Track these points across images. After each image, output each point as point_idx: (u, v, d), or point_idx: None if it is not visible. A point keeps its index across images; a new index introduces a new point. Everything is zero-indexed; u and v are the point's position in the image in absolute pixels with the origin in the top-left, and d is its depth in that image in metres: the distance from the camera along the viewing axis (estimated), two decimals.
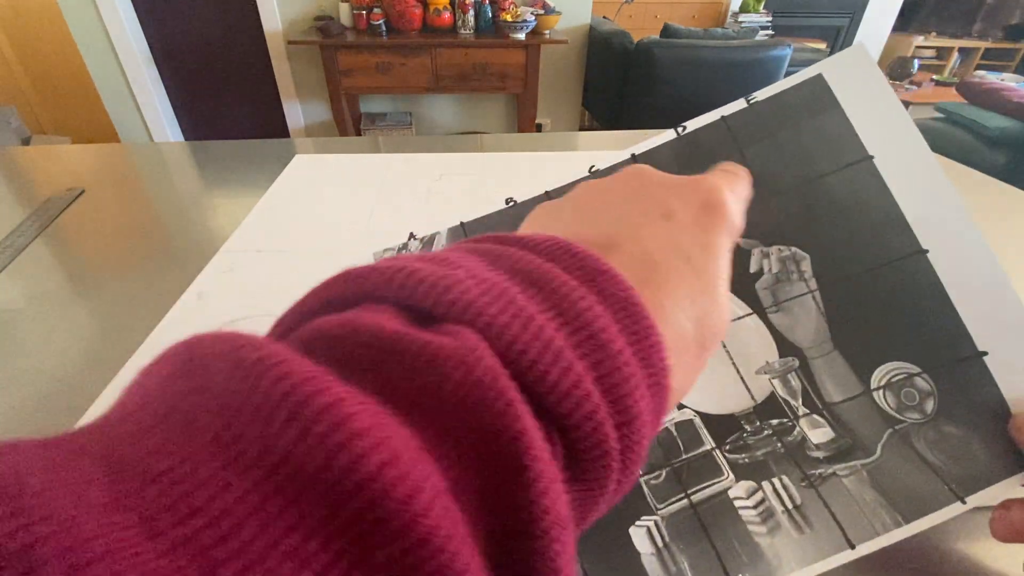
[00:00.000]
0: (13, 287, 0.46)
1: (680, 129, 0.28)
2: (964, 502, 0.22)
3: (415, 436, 0.09)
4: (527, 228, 0.18)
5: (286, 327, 0.12)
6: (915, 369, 0.24)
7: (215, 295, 0.40)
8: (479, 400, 0.09)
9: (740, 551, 0.22)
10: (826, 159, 0.26)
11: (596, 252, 0.13)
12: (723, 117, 0.28)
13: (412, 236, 0.29)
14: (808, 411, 0.24)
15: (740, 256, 0.26)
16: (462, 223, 0.29)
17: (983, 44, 4.04)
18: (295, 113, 2.60)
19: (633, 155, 0.28)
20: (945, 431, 0.23)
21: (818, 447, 0.24)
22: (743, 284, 0.26)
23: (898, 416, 0.24)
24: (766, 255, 0.26)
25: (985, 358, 0.23)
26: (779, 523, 0.23)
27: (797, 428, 0.24)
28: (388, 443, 0.08)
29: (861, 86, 0.26)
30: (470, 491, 0.09)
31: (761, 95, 0.27)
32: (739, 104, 0.28)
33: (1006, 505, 0.22)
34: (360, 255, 0.27)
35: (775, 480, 0.23)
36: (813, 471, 0.23)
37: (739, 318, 0.26)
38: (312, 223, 0.51)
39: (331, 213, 0.52)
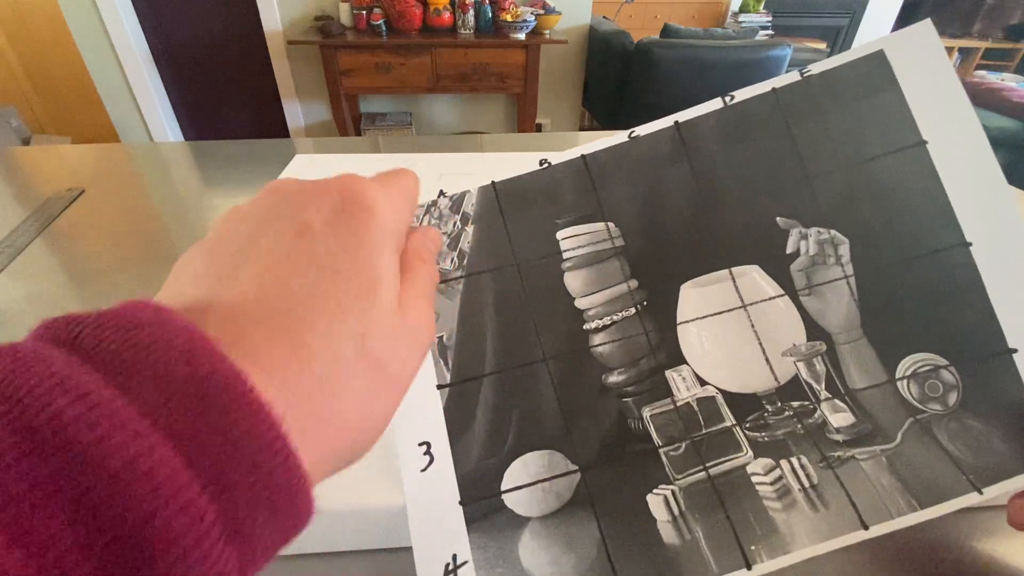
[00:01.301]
0: (13, 287, 0.46)
1: (728, 98, 0.27)
2: (981, 492, 0.22)
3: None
4: (175, 271, 0.16)
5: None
6: (942, 361, 0.24)
7: None
8: None
9: (755, 524, 0.22)
10: (877, 141, 0.25)
11: (176, 313, 0.11)
12: (774, 89, 0.27)
13: (442, 193, 0.28)
14: (830, 396, 0.24)
15: (777, 235, 0.26)
16: (493, 183, 0.28)
17: (983, 44, 4.04)
18: (295, 113, 2.60)
19: (676, 122, 0.27)
20: (967, 424, 0.23)
21: (838, 431, 0.24)
22: (778, 264, 0.26)
23: (920, 407, 0.24)
24: (804, 237, 0.26)
25: (1014, 355, 0.23)
26: (795, 500, 0.23)
27: (818, 411, 0.24)
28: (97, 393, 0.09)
29: (923, 66, 0.25)
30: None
31: (816, 68, 0.26)
32: (792, 76, 0.27)
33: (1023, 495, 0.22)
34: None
35: (793, 459, 0.23)
36: (832, 453, 0.23)
37: (770, 299, 0.26)
38: None
39: None
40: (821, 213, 0.26)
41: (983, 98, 2.01)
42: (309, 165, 0.63)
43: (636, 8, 3.64)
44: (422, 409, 0.25)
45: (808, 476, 0.23)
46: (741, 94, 0.27)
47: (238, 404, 0.10)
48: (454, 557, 0.23)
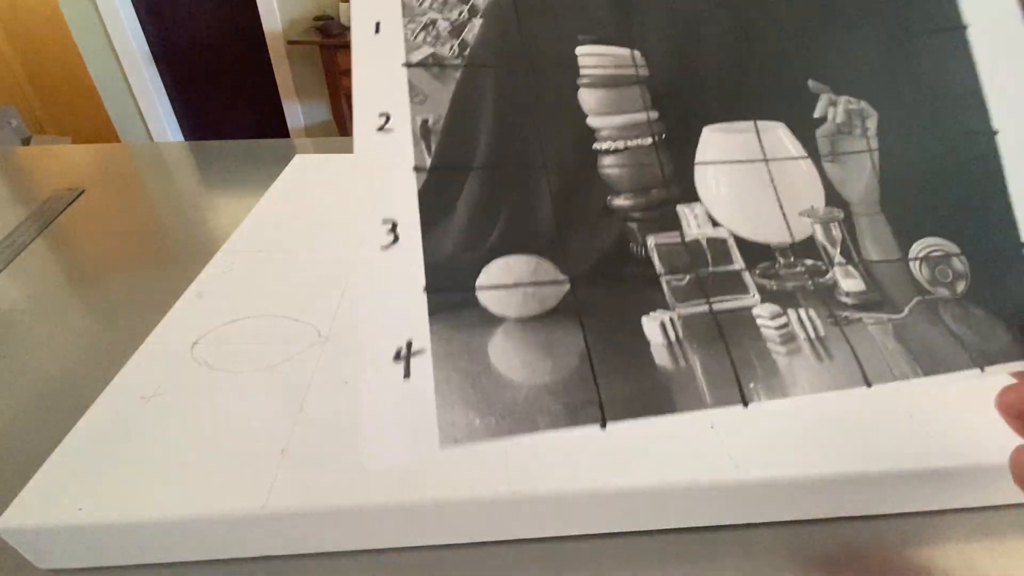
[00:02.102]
0: (13, 287, 0.46)
1: None
2: (983, 370, 0.22)
3: None
4: None
5: None
6: (955, 249, 0.24)
7: (215, 295, 0.40)
8: None
9: (755, 362, 0.22)
10: (921, 19, 0.25)
11: None
12: None
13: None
14: (844, 261, 0.24)
15: (807, 97, 0.25)
16: None
17: None
18: (295, 113, 2.60)
19: None
20: (971, 311, 0.23)
21: (848, 294, 0.23)
22: (805, 126, 0.25)
23: (929, 288, 0.23)
24: (833, 103, 0.25)
25: None
26: (800, 347, 0.22)
27: (831, 273, 0.24)
28: None
29: None
30: None
31: None
32: None
33: (1019, 376, 0.22)
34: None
35: (801, 311, 0.23)
36: (840, 312, 0.23)
37: (793, 158, 0.25)
38: (312, 223, 0.51)
39: (331, 213, 0.52)
40: (854, 82, 0.25)
41: None
42: (309, 165, 0.63)
43: None
44: (392, 187, 0.22)
45: (815, 327, 0.22)
46: None
47: None
48: (408, 343, 0.20)
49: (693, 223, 0.24)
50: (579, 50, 0.25)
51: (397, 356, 0.20)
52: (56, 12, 2.26)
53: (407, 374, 0.19)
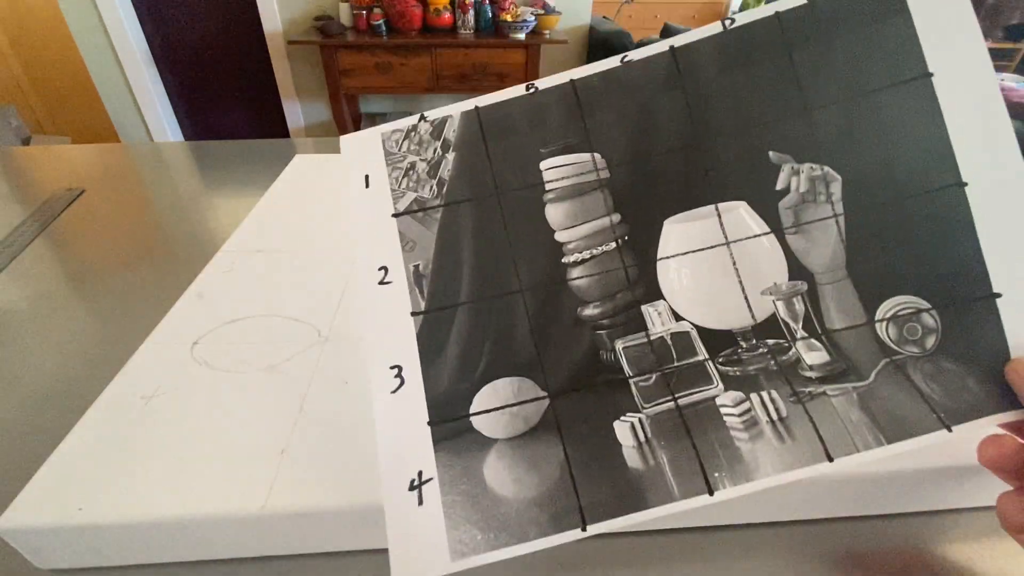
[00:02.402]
0: (13, 287, 0.46)
1: (727, 22, 0.26)
2: (950, 430, 0.22)
3: None
4: None
5: None
6: (924, 305, 0.23)
7: (215, 295, 0.40)
8: None
9: (720, 452, 0.23)
10: (881, 72, 0.24)
11: None
12: (777, 13, 0.25)
13: (423, 118, 0.28)
14: (807, 335, 0.24)
15: (768, 170, 0.25)
16: (477, 107, 0.27)
17: None
18: (295, 113, 2.60)
19: (672, 47, 0.26)
20: (942, 366, 0.23)
21: (811, 368, 0.24)
22: (767, 201, 0.25)
23: (897, 348, 0.23)
24: (796, 172, 0.25)
25: (998, 300, 0.23)
26: (762, 432, 0.23)
27: (793, 349, 0.24)
28: None
29: None
30: None
31: None
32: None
33: (999, 434, 0.22)
34: (360, 255, 0.27)
35: (763, 393, 0.23)
36: (803, 389, 0.23)
37: (755, 236, 0.25)
38: (312, 223, 0.51)
39: (331, 213, 0.52)
40: (816, 148, 0.25)
41: None
42: (309, 165, 0.63)
43: (636, 8, 3.64)
44: (395, 335, 0.25)
45: (777, 409, 0.23)
46: (743, 17, 0.26)
47: None
48: (419, 474, 0.23)
49: (657, 321, 0.25)
50: (543, 164, 0.27)
51: (411, 486, 0.23)
52: (56, 12, 2.26)
53: (420, 501, 0.23)
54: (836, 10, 0.25)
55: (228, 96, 2.63)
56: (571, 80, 0.27)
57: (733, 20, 0.26)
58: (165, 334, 0.36)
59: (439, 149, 0.28)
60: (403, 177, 0.28)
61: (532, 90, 0.27)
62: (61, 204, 0.59)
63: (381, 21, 2.13)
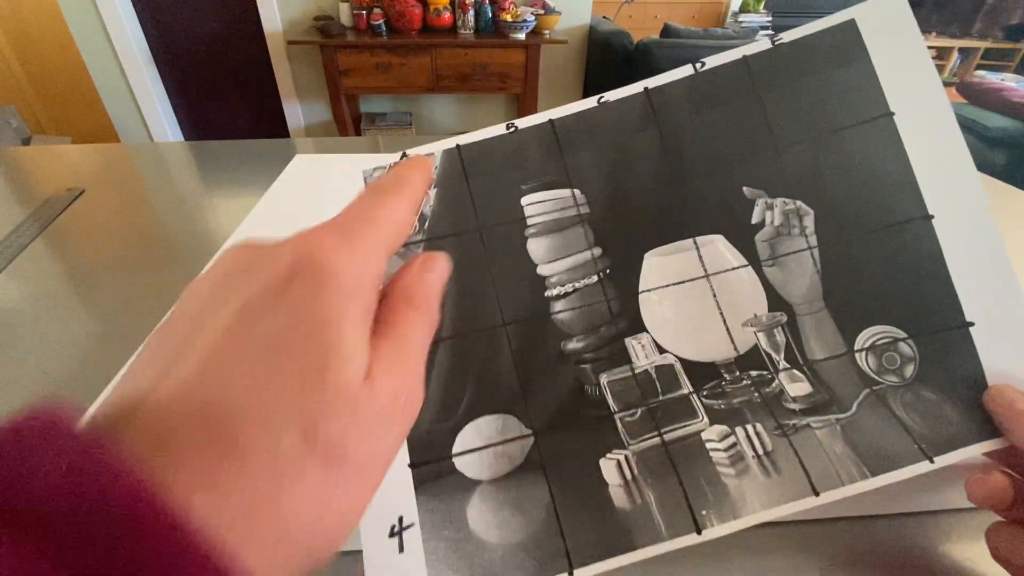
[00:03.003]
0: (13, 287, 0.46)
1: (699, 65, 0.27)
2: (932, 461, 0.22)
3: None
4: (133, 362, 0.14)
5: None
6: (901, 334, 0.24)
7: None
8: None
9: (707, 490, 0.23)
10: (845, 112, 0.25)
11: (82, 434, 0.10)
12: (745, 57, 0.27)
13: (404, 155, 0.28)
14: (789, 366, 0.25)
15: (743, 205, 0.26)
16: (458, 146, 0.28)
17: (983, 44, 4.04)
18: (295, 113, 2.60)
19: (646, 88, 0.27)
20: (921, 395, 0.23)
21: (795, 399, 0.24)
22: (743, 234, 0.26)
23: (877, 378, 0.24)
24: (770, 207, 0.26)
25: (971, 328, 0.23)
26: (748, 467, 0.23)
27: (776, 381, 0.24)
28: None
29: (893, 35, 0.25)
30: None
31: (788, 36, 0.26)
32: (764, 44, 0.27)
33: (984, 469, 0.22)
34: None
35: (748, 427, 0.24)
36: (787, 421, 0.24)
37: (733, 268, 0.26)
38: (312, 223, 0.51)
39: (331, 213, 0.52)
40: (787, 183, 0.26)
41: (983, 98, 2.01)
42: (309, 165, 0.63)
43: (636, 8, 3.64)
44: None
45: (762, 443, 0.23)
46: (712, 61, 0.27)
47: (134, 525, 0.09)
48: (400, 519, 0.23)
49: (641, 354, 0.25)
50: (524, 200, 0.27)
51: (392, 532, 0.22)
52: (56, 12, 2.26)
53: (400, 549, 0.22)
54: (800, 53, 0.26)
55: (228, 96, 2.63)
56: (550, 120, 0.28)
57: (703, 64, 0.27)
58: None
59: None
60: None
61: (512, 129, 0.28)
62: (61, 204, 0.59)
63: (381, 21, 2.13)
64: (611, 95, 0.27)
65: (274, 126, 2.65)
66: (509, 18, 2.15)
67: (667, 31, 2.66)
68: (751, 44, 0.27)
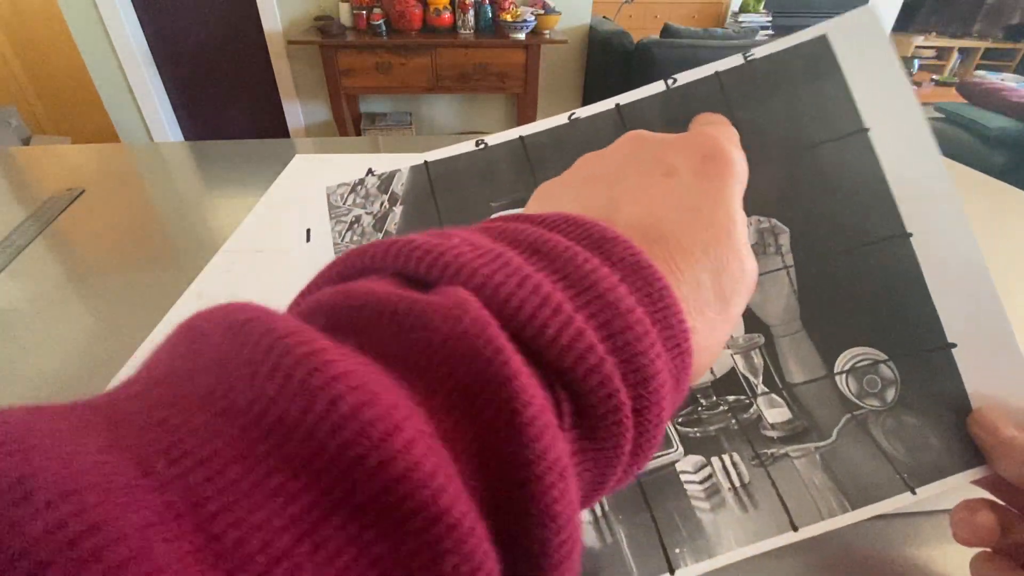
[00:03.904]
0: (13, 287, 0.46)
1: (670, 81, 0.26)
2: (915, 493, 0.22)
3: (404, 388, 0.09)
4: (531, 208, 0.18)
5: (296, 305, 0.12)
6: (881, 356, 0.23)
7: (215, 295, 0.40)
8: (467, 350, 0.09)
9: (680, 525, 0.22)
10: (819, 128, 0.25)
11: (601, 221, 0.13)
12: (717, 73, 0.26)
13: (370, 171, 0.28)
14: (767, 390, 0.24)
15: None
16: (426, 162, 0.27)
17: (983, 44, 4.04)
18: (295, 113, 2.60)
19: (617, 105, 0.27)
20: (903, 420, 0.23)
21: (773, 427, 0.23)
22: None
23: (858, 402, 0.23)
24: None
25: (953, 350, 0.23)
26: (724, 500, 0.22)
27: (754, 406, 0.24)
28: (366, 386, 0.08)
29: (866, 52, 0.24)
30: (464, 440, 0.09)
31: (760, 52, 0.26)
32: (736, 60, 0.26)
33: (970, 507, 0.21)
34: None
35: (725, 456, 0.23)
36: (765, 450, 0.23)
37: None
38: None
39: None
40: (762, 201, 0.25)
41: (983, 98, 2.01)
42: (309, 165, 0.63)
43: (636, 8, 3.64)
44: None
45: (739, 474, 0.23)
46: (684, 77, 0.26)
47: (670, 313, 0.12)
48: None
49: None
50: (493, 217, 0.27)
51: None
52: (56, 12, 2.26)
53: None
54: (773, 69, 0.26)
55: (228, 96, 2.63)
56: (520, 136, 0.27)
57: (675, 80, 0.27)
58: (165, 334, 0.36)
59: (386, 202, 0.27)
60: (347, 231, 0.27)
61: (482, 146, 0.27)
62: (61, 204, 0.59)
63: (381, 21, 2.13)
64: (582, 112, 0.27)
65: (274, 126, 2.65)
66: (509, 18, 2.15)
67: (667, 31, 2.66)
68: (724, 60, 0.26)
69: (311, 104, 2.58)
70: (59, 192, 0.62)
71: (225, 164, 0.70)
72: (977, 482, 0.22)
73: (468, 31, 2.20)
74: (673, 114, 0.26)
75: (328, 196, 0.28)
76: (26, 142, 2.40)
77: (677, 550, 0.22)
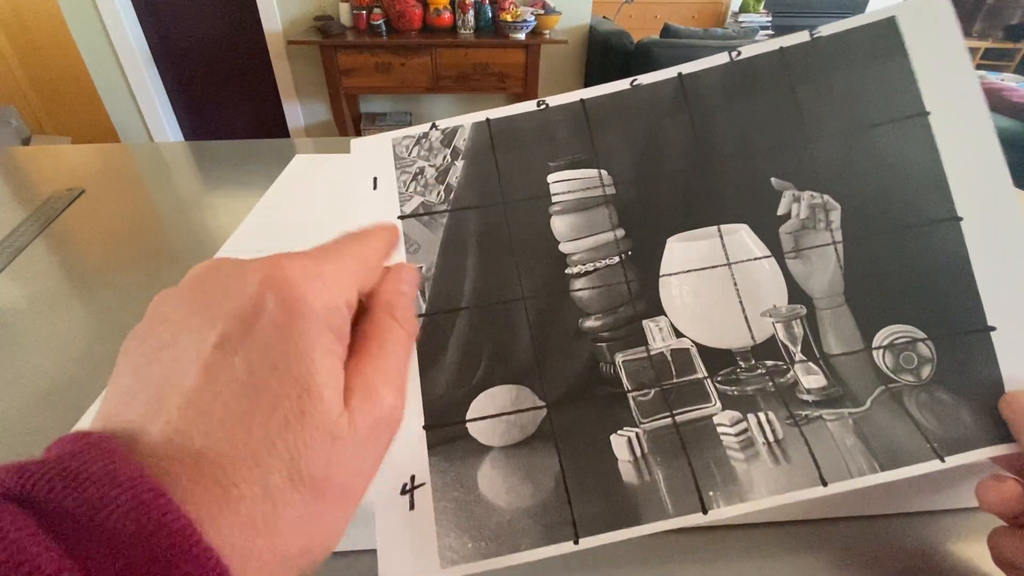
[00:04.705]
0: (13, 287, 0.46)
1: (735, 54, 0.27)
2: (943, 460, 0.22)
3: None
4: (115, 372, 0.14)
5: None
6: (920, 335, 0.24)
7: None
8: None
9: (715, 471, 0.23)
10: (879, 109, 0.25)
11: (120, 450, 0.11)
12: (782, 48, 0.26)
13: (434, 126, 0.28)
14: (805, 358, 0.24)
15: (770, 196, 0.26)
16: (488, 119, 0.28)
17: (983, 44, 4.04)
18: (295, 113, 2.60)
19: (680, 74, 0.27)
20: (937, 396, 0.23)
21: (809, 392, 0.24)
22: (768, 225, 0.26)
23: (893, 376, 0.24)
24: (797, 199, 0.26)
25: (992, 333, 0.23)
26: (758, 452, 0.23)
27: (791, 372, 0.24)
28: None
29: (933, 35, 0.25)
30: None
31: (826, 30, 0.26)
32: (802, 36, 0.26)
33: (999, 477, 0.22)
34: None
35: (760, 414, 0.24)
36: (800, 412, 0.24)
37: (756, 259, 0.25)
38: (312, 223, 0.51)
39: (331, 213, 0.52)
40: (816, 177, 0.26)
41: None
42: (309, 165, 0.63)
43: (636, 8, 3.64)
44: None
45: (773, 431, 0.23)
46: (748, 50, 0.27)
47: (187, 558, 0.10)
48: (412, 478, 0.23)
49: (658, 336, 0.25)
50: (550, 177, 0.27)
51: (403, 490, 0.23)
52: (56, 12, 2.26)
53: (412, 506, 0.22)
54: (837, 48, 0.26)
55: (228, 96, 2.63)
56: (581, 99, 0.28)
57: (739, 52, 0.27)
58: None
59: (449, 156, 0.28)
60: (411, 181, 0.28)
61: (543, 106, 0.28)
62: (61, 204, 0.59)
63: (381, 21, 2.13)
64: (644, 78, 0.27)
65: (274, 126, 2.65)
66: (509, 18, 2.15)
67: (667, 31, 2.66)
68: (789, 36, 0.26)
69: (311, 104, 2.59)
70: (59, 192, 0.62)
71: (225, 164, 0.70)
72: (996, 460, 0.23)
73: (468, 31, 2.20)
74: (735, 86, 0.27)
75: (394, 147, 0.29)
76: (26, 142, 2.40)
77: (711, 493, 0.22)
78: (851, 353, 0.24)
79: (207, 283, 0.14)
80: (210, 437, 0.12)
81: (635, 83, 0.27)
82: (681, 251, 0.26)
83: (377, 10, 2.14)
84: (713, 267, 0.26)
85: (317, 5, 2.31)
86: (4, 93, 2.55)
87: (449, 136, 0.28)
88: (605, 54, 2.35)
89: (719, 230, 0.26)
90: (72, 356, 0.38)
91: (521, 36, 2.17)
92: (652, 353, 0.25)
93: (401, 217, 0.27)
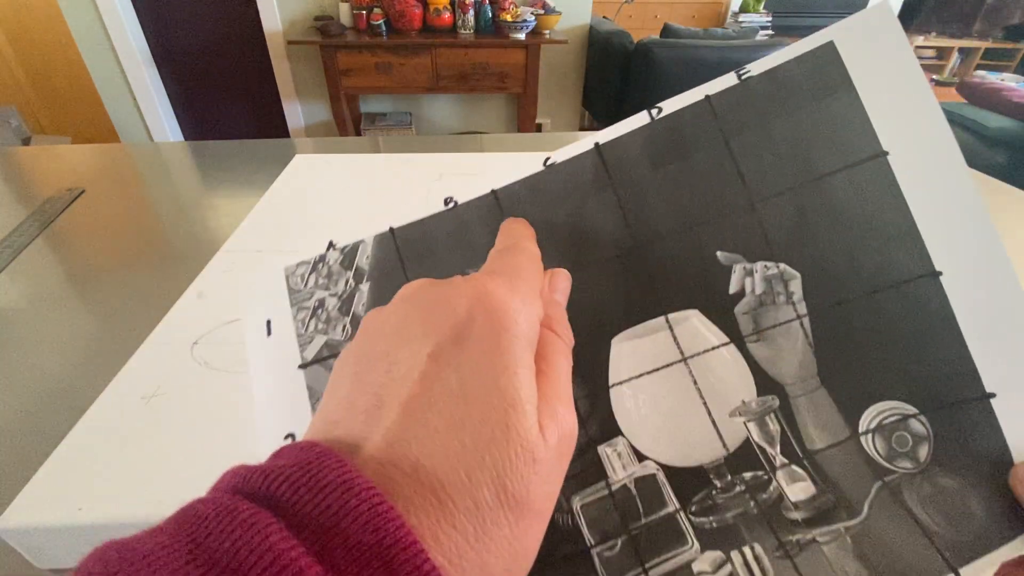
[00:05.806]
0: (13, 287, 0.46)
1: (655, 112, 0.23)
2: (957, 574, 0.19)
3: None
4: (330, 387, 0.16)
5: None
6: (911, 410, 0.21)
7: (215, 295, 0.40)
8: None
9: None
10: (829, 155, 0.22)
11: (348, 468, 0.11)
12: (707, 97, 0.23)
13: (331, 245, 0.25)
14: (787, 461, 0.21)
15: (719, 273, 0.23)
16: (391, 229, 0.25)
17: (983, 44, 4.04)
18: (295, 113, 2.60)
19: (597, 144, 0.24)
20: (940, 483, 0.20)
21: (796, 506, 0.21)
22: (720, 308, 0.22)
23: (887, 465, 0.21)
24: (749, 273, 0.22)
25: (992, 400, 0.20)
26: None
27: (774, 483, 0.21)
28: None
29: (882, 58, 0.21)
30: None
31: (756, 68, 0.22)
32: (729, 80, 0.22)
33: (1019, 562, 0.20)
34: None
35: (746, 549, 0.20)
36: (790, 537, 0.20)
37: (714, 348, 0.22)
38: (312, 223, 0.51)
39: (331, 213, 0.52)
40: (768, 244, 0.22)
41: (983, 98, 2.01)
42: (309, 165, 0.63)
43: (636, 8, 3.64)
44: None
45: (763, 570, 0.20)
46: (670, 105, 0.23)
47: (418, 574, 0.10)
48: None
49: (618, 465, 0.22)
50: None
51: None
52: (56, 12, 2.26)
53: None
54: (772, 87, 0.22)
55: (228, 96, 2.63)
56: (492, 191, 0.24)
57: (660, 110, 0.23)
58: (165, 334, 0.36)
59: (352, 280, 0.25)
60: (310, 319, 0.25)
61: (451, 205, 0.25)
62: (61, 204, 0.59)
63: (381, 21, 2.13)
64: (558, 155, 0.24)
65: (274, 126, 2.66)
66: (509, 18, 2.15)
67: (667, 31, 2.66)
68: (714, 81, 0.23)
69: (311, 104, 2.59)
70: (59, 192, 0.62)
71: (225, 164, 0.70)
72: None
73: (468, 31, 2.20)
74: (659, 150, 0.23)
75: (287, 279, 0.25)
76: (26, 142, 2.40)
77: None
78: (837, 444, 0.21)
79: (420, 300, 0.16)
80: (425, 446, 0.12)
81: (548, 162, 0.24)
82: (629, 352, 0.23)
83: (377, 10, 2.14)
84: (668, 365, 0.22)
85: (317, 5, 2.31)
86: (4, 93, 2.55)
87: (350, 256, 0.25)
88: (605, 54, 2.35)
89: (667, 320, 0.23)
90: (72, 356, 0.38)
91: (521, 36, 2.17)
92: (613, 488, 0.22)
93: (303, 366, 0.24)
